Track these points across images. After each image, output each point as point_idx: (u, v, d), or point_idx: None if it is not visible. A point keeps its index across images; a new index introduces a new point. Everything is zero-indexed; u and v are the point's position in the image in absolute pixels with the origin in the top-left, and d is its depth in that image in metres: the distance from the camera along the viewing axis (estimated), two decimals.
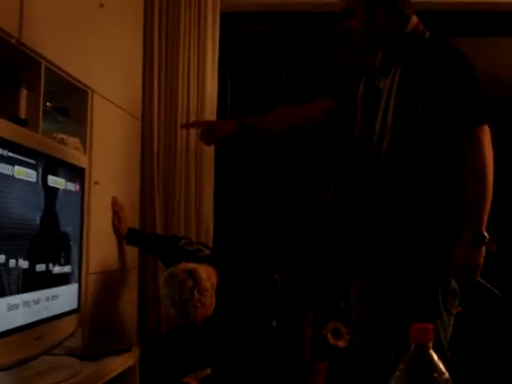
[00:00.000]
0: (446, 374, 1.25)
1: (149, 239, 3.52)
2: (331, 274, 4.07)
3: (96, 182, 3.00)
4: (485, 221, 2.32)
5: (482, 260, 2.32)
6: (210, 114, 3.85)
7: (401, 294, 2.44)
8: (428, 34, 2.52)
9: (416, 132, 2.38)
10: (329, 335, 4.12)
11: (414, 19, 2.52)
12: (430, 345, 1.26)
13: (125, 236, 3.37)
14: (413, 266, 2.41)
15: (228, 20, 4.05)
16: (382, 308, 2.54)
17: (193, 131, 3.76)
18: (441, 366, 1.25)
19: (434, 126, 2.39)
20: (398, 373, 1.27)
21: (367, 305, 2.61)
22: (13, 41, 2.29)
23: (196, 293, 2.85)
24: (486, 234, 2.30)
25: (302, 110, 2.87)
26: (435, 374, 1.24)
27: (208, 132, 2.85)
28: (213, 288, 2.96)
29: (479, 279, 2.36)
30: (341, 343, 4.13)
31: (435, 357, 1.25)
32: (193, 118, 3.81)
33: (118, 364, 2.68)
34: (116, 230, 3.32)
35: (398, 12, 2.50)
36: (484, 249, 2.32)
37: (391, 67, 2.48)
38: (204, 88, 3.85)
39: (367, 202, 2.59)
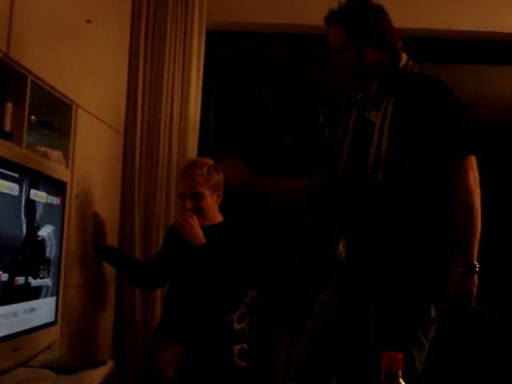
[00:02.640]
0: None
1: (126, 262, 3.53)
2: (307, 292, 4.09)
3: (76, 196, 3.02)
4: (475, 251, 2.38)
5: (474, 288, 2.38)
6: (193, 130, 3.89)
7: (381, 317, 2.50)
8: (417, 69, 2.63)
9: (409, 157, 2.46)
10: None
11: (404, 56, 2.63)
12: (400, 373, 1.30)
13: (103, 251, 3.38)
14: (398, 291, 2.47)
15: (214, 38, 4.10)
16: (353, 319, 2.61)
17: (175, 144, 3.81)
18: None
19: (426, 154, 2.46)
20: None
21: (339, 311, 2.67)
22: (0, 55, 2.31)
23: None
24: (476, 263, 2.36)
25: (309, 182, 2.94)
26: None
27: None
28: None
29: (475, 306, 2.42)
30: None
31: None
32: (175, 134, 3.85)
33: (94, 377, 2.67)
34: (96, 244, 3.33)
35: (388, 46, 2.60)
36: (476, 277, 2.37)
37: (382, 100, 2.55)
38: (187, 104, 3.88)
39: (360, 226, 2.64)
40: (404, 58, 2.63)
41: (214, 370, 3.15)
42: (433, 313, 2.48)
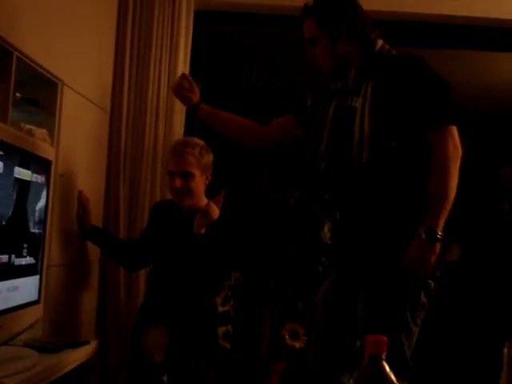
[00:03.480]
0: None
1: (111, 241, 3.52)
2: (291, 275, 4.10)
3: (61, 175, 3.00)
4: (441, 218, 2.37)
5: (433, 256, 2.37)
6: (179, 110, 3.85)
7: (371, 304, 2.50)
8: (394, 52, 2.64)
9: (393, 134, 2.47)
10: (286, 336, 4.16)
11: (380, 41, 2.65)
12: (383, 356, 1.30)
13: (87, 231, 3.36)
14: (386, 275, 2.47)
15: (202, 18, 4.06)
16: (350, 310, 2.60)
17: (162, 123, 3.79)
18: (392, 377, 1.29)
19: (408, 128, 2.47)
20: (352, 382, 1.31)
21: (336, 305, 2.67)
22: None
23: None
24: (439, 231, 2.36)
25: (261, 131, 3.07)
26: None
27: (182, 88, 3.07)
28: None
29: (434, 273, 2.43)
30: (297, 344, 4.17)
31: (387, 368, 1.29)
32: (162, 113, 3.82)
33: (76, 357, 2.68)
34: (81, 223, 3.31)
35: (360, 36, 2.63)
36: (438, 246, 2.37)
37: (362, 85, 2.56)
38: None
39: (349, 208, 2.66)
40: (379, 43, 2.64)
41: (199, 352, 3.15)
42: (422, 298, 2.48)
